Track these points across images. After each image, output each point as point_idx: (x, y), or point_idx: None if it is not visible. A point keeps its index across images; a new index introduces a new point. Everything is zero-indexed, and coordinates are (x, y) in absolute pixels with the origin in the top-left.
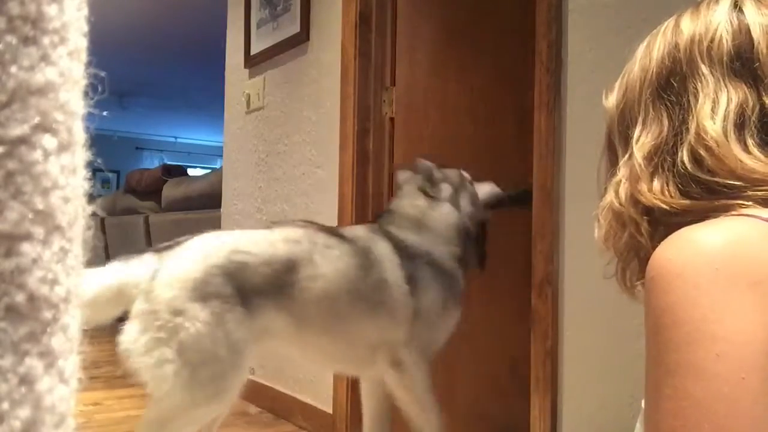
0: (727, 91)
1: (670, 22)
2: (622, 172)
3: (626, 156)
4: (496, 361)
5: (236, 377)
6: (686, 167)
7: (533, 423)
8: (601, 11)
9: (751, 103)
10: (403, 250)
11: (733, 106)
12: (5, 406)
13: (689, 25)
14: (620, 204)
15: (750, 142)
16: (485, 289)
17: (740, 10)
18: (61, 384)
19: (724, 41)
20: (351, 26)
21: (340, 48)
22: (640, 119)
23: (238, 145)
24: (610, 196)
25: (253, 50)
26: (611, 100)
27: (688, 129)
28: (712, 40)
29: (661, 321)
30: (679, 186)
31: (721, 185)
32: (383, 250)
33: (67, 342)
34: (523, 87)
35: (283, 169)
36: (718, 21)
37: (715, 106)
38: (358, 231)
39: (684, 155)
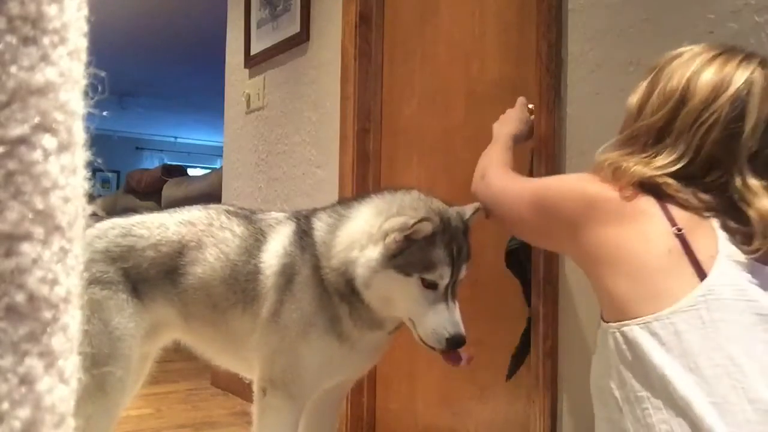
0: (682, 164)
1: (704, 56)
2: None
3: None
4: (450, 374)
5: (118, 367)
6: None
7: (533, 423)
8: (601, 11)
9: (701, 175)
10: (300, 237)
11: (674, 171)
12: (5, 406)
13: (708, 84)
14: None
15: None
16: (486, 290)
17: (750, 86)
18: (61, 384)
19: (717, 127)
20: (351, 26)
21: (340, 48)
22: (640, 143)
23: (238, 145)
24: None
25: (253, 50)
26: (634, 100)
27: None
28: (706, 121)
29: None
30: None
31: None
32: (279, 233)
33: (67, 342)
34: (471, 68)
35: (283, 169)
36: (725, 97)
37: (663, 166)
38: (274, 213)
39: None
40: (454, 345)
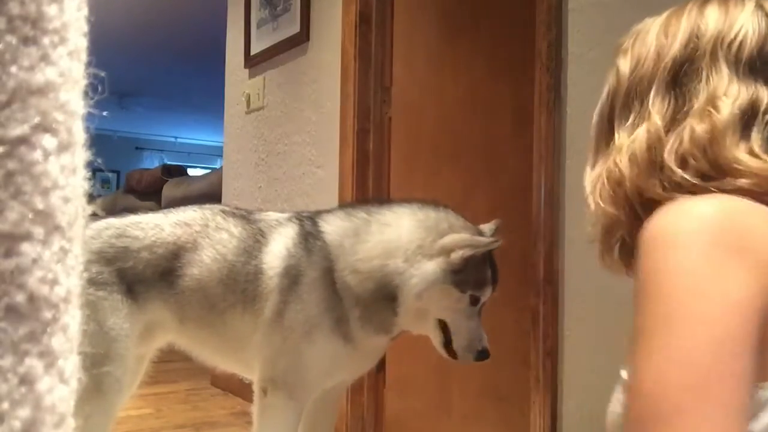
0: (737, 86)
1: (695, 4)
2: (622, 141)
3: (627, 128)
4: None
5: (115, 367)
6: (675, 162)
7: (533, 423)
8: (601, 11)
9: (766, 101)
10: (305, 239)
11: (740, 102)
12: (5, 406)
13: (715, 19)
14: (627, 179)
15: (755, 137)
16: None
17: (765, 14)
18: (61, 384)
19: (748, 41)
20: (351, 26)
21: (340, 48)
22: (650, 97)
23: (238, 145)
24: (615, 164)
25: (253, 50)
26: (625, 66)
27: (687, 114)
28: (734, 40)
29: (654, 276)
30: (666, 185)
31: (703, 173)
32: (281, 234)
33: (67, 342)
34: (520, 82)
35: (283, 169)
36: (743, 21)
37: (725, 96)
38: (272, 213)
39: (678, 144)
40: (482, 358)
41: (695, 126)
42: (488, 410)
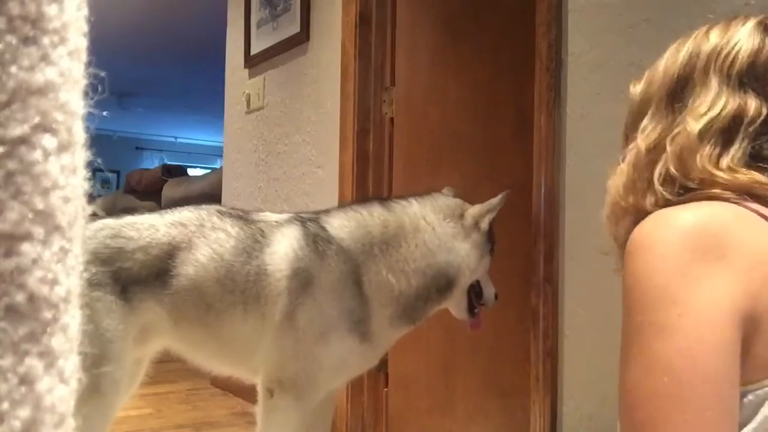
0: (725, 98)
1: (703, 29)
2: (627, 161)
3: (630, 146)
4: (496, 361)
5: (113, 368)
6: (659, 181)
7: (533, 423)
8: (601, 11)
9: (752, 112)
10: (313, 241)
11: (725, 113)
12: (5, 406)
13: (716, 37)
14: (621, 199)
15: (735, 149)
16: None
17: (765, 30)
18: (61, 384)
19: (740, 56)
20: (351, 26)
21: (340, 48)
22: (649, 113)
23: (238, 145)
24: (614, 183)
25: (253, 50)
26: (637, 89)
27: (676, 131)
28: (728, 54)
29: (632, 286)
30: (660, 203)
31: (685, 188)
32: (284, 235)
33: (67, 342)
34: (522, 85)
35: (283, 169)
36: (740, 36)
37: (710, 109)
38: (270, 214)
39: (663, 163)
40: (497, 297)
41: (667, 145)
42: (491, 407)
